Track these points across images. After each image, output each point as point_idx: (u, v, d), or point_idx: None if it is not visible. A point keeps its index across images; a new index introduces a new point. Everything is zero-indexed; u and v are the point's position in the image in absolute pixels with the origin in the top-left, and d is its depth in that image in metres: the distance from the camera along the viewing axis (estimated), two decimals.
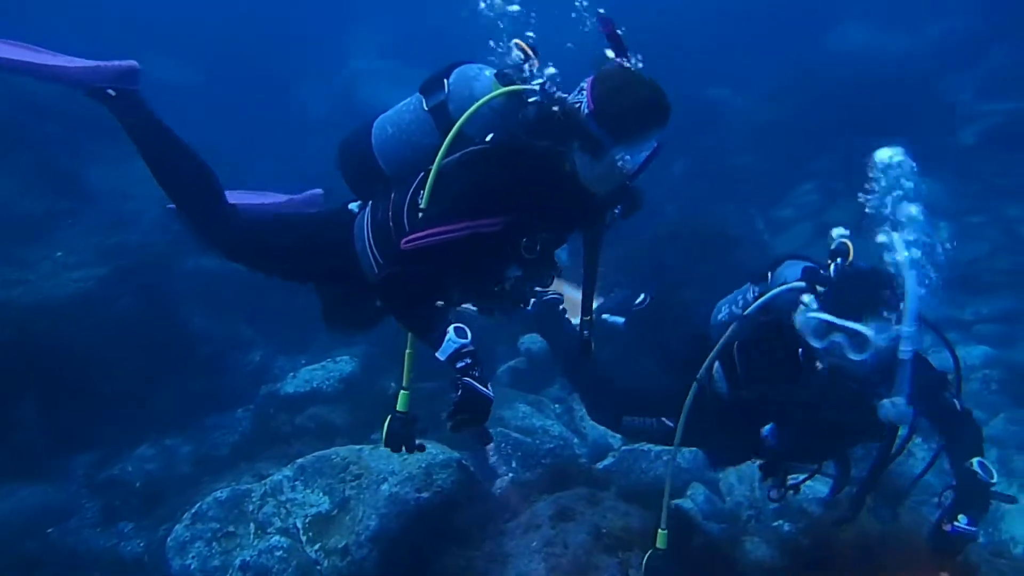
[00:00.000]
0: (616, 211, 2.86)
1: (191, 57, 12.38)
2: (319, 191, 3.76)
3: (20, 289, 5.92)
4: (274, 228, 3.27)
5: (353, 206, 3.19)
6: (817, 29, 11.64)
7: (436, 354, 2.63)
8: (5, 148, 7.36)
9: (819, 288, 3.18)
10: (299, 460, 4.26)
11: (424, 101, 2.93)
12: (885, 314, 3.04)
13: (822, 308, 3.08)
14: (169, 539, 3.98)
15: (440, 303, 2.78)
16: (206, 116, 9.88)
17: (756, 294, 3.52)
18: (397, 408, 2.88)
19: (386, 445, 2.86)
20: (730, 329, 3.38)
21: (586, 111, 2.61)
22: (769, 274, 3.53)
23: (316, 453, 4.30)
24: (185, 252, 7.26)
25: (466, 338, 2.64)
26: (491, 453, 3.05)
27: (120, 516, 5.22)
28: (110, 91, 3.15)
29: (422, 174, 2.83)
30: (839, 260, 3.28)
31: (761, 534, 4.43)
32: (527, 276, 2.95)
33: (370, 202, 3.08)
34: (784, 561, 4.05)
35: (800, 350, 3.20)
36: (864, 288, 3.11)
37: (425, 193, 2.73)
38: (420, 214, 2.75)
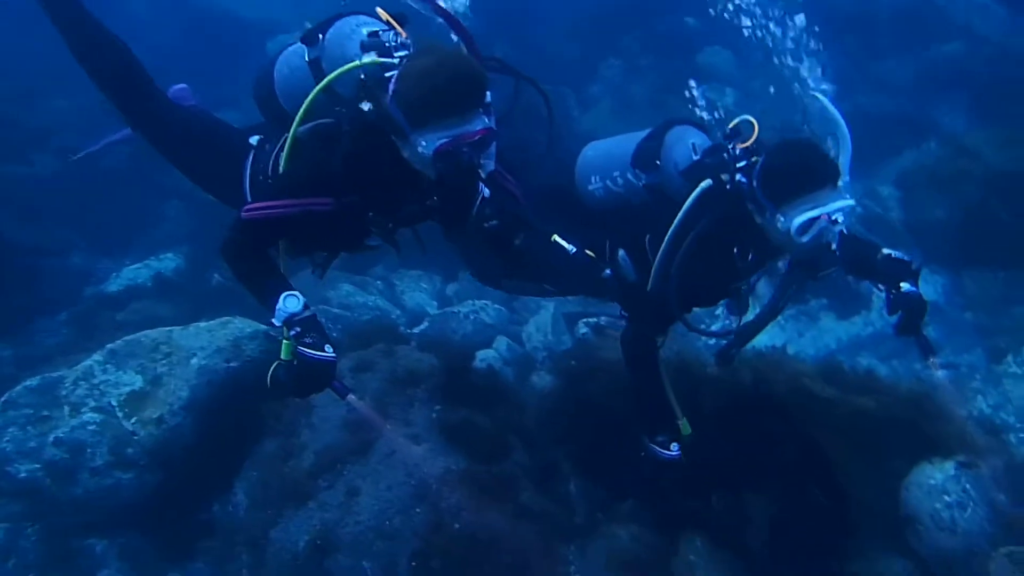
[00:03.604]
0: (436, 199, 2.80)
1: None
2: (185, 86, 3.78)
3: None
4: (187, 124, 3.37)
5: (253, 139, 3.25)
6: None
7: (272, 320, 2.69)
8: None
9: (737, 175, 3.07)
10: (109, 345, 4.47)
11: (306, 52, 2.97)
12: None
13: (761, 187, 2.99)
14: None
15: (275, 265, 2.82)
16: None
17: (646, 183, 3.39)
18: (282, 357, 2.75)
19: (272, 389, 2.79)
20: (659, 255, 3.24)
21: (391, 92, 2.60)
22: (658, 161, 3.36)
23: (126, 337, 4.53)
24: None
25: (298, 306, 2.65)
26: (353, 403, 3.18)
27: None
28: None
29: (287, 135, 2.86)
30: (736, 138, 3.18)
31: (547, 368, 5.11)
32: (388, 243, 3.03)
33: (256, 147, 3.17)
34: (559, 383, 4.70)
35: (736, 249, 3.16)
36: (807, 159, 3.01)
37: (283, 158, 2.82)
38: (266, 182, 2.89)
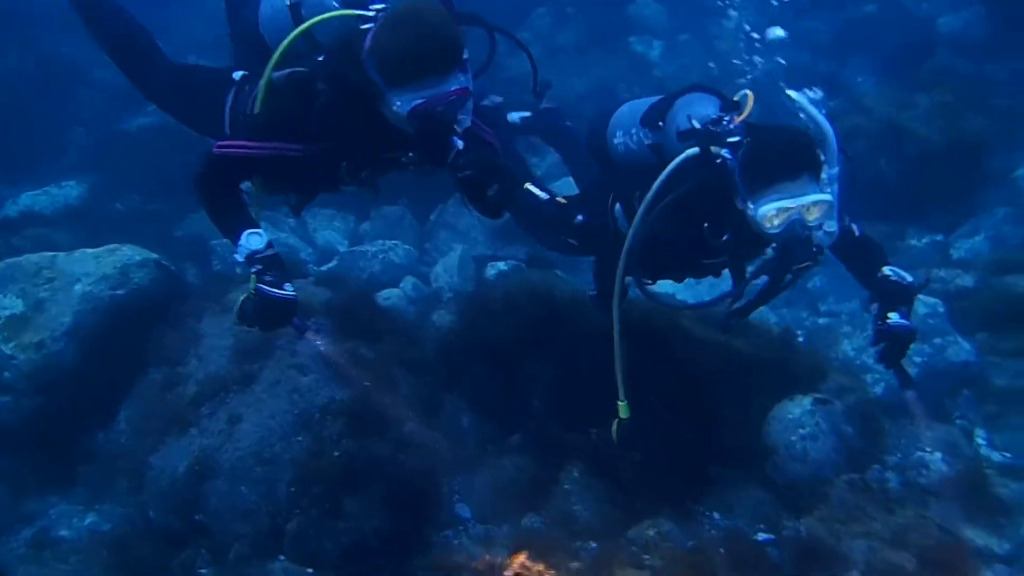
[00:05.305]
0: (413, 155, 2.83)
1: None
2: None
3: None
4: (176, 81, 3.43)
5: (237, 75, 3.20)
6: None
7: (234, 255, 2.75)
8: None
9: (723, 150, 2.93)
10: None
11: None
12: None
13: (739, 170, 2.86)
14: None
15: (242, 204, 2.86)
16: None
17: (650, 142, 3.32)
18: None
19: (239, 321, 2.90)
20: (634, 224, 3.12)
21: (366, 48, 2.56)
22: (661, 123, 3.27)
23: (6, 260, 4.39)
24: None
25: (260, 244, 2.71)
26: (311, 336, 3.31)
27: None
28: None
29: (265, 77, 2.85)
30: (731, 115, 3.03)
31: (449, 308, 5.14)
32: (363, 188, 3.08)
33: (239, 83, 3.15)
34: (459, 321, 4.75)
35: (707, 224, 3.02)
36: (786, 146, 2.88)
37: (258, 100, 2.81)
38: (243, 120, 2.90)
